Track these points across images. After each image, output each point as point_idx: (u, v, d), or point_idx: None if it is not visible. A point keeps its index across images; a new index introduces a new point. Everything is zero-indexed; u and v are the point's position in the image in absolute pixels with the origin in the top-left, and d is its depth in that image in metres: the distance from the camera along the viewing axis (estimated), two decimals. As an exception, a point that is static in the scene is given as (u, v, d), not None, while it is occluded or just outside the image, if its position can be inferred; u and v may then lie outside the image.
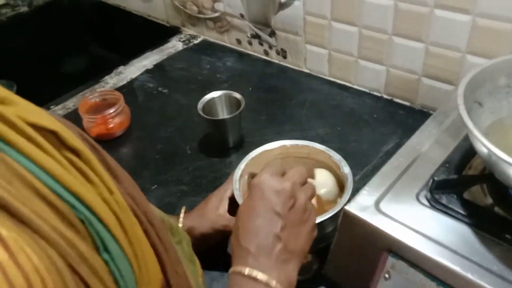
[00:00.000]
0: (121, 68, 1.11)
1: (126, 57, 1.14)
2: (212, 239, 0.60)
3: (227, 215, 0.61)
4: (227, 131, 0.80)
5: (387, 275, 0.46)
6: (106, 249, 0.25)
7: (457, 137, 0.55)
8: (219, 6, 1.09)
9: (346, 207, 0.49)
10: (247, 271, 0.43)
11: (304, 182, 0.51)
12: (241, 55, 1.11)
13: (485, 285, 0.40)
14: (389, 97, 0.90)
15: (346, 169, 0.61)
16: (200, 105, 0.79)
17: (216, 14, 1.12)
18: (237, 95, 0.80)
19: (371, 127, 0.84)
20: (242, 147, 0.83)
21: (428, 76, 0.81)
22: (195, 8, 1.16)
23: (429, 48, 0.78)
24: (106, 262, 0.24)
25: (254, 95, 0.97)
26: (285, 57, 1.04)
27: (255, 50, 1.09)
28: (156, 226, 0.35)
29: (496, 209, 0.48)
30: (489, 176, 0.47)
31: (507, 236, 0.43)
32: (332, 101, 0.92)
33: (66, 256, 0.22)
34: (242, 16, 1.06)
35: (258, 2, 1.00)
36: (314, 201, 0.54)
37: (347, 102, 0.92)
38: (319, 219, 0.55)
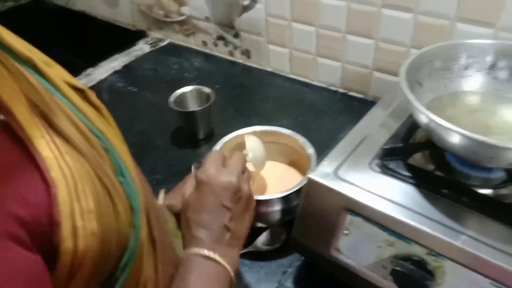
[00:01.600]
0: (89, 70, 1.14)
1: (94, 62, 1.18)
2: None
3: None
4: (198, 123, 0.85)
5: (346, 231, 0.53)
6: (122, 173, 0.31)
7: (401, 119, 0.63)
8: (185, 9, 1.15)
9: (310, 175, 0.55)
10: (206, 252, 0.48)
11: (244, 169, 0.55)
12: (207, 56, 1.17)
13: (427, 229, 0.47)
14: (345, 91, 0.99)
15: (310, 150, 0.68)
16: (172, 98, 0.84)
17: (182, 18, 1.17)
18: (207, 89, 0.85)
19: (329, 117, 0.92)
20: (212, 139, 0.89)
21: (378, 69, 0.90)
22: (161, 12, 1.21)
23: (378, 44, 0.87)
24: (121, 183, 0.30)
25: (222, 92, 1.02)
26: (249, 57, 1.10)
27: (221, 51, 1.16)
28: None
29: (437, 172, 0.56)
30: (429, 143, 0.55)
31: (444, 191, 0.51)
32: (294, 96, 1.00)
33: (96, 169, 0.28)
34: (207, 19, 1.12)
35: (222, 5, 1.06)
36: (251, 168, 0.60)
37: (308, 96, 0.99)
38: (285, 193, 0.62)
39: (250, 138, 0.67)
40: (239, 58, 1.13)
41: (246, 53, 1.10)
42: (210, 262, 0.48)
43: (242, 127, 0.90)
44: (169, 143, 0.88)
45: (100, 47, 1.33)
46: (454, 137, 0.46)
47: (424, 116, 0.49)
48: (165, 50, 1.22)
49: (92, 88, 1.06)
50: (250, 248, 0.65)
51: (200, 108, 0.83)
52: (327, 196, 0.54)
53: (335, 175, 0.55)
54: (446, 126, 0.46)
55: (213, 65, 1.13)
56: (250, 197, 0.54)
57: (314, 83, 1.02)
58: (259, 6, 1.00)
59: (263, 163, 0.67)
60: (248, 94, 1.02)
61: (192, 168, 0.58)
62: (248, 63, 1.12)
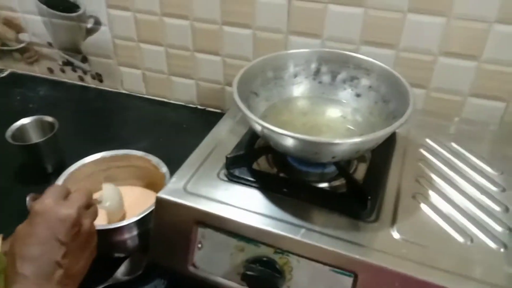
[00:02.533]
0: None
1: None
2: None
3: None
4: (43, 156, 0.78)
5: (199, 245, 0.53)
6: None
7: (247, 126, 0.66)
8: (24, 36, 1.07)
9: (158, 194, 0.54)
10: None
11: (89, 204, 0.52)
12: (55, 84, 1.09)
13: (271, 229, 0.50)
14: (203, 107, 1.00)
15: (164, 169, 0.68)
16: (8, 132, 0.76)
17: (22, 45, 1.08)
18: (49, 118, 0.80)
19: (190, 134, 0.93)
20: (64, 171, 0.82)
21: (228, 84, 0.94)
22: (-4, 40, 1.10)
23: (225, 60, 0.91)
24: None
25: (74, 120, 0.97)
26: (101, 80, 1.06)
27: (70, 77, 1.09)
28: None
29: (281, 174, 0.59)
30: (268, 148, 0.58)
31: (284, 190, 0.55)
32: (152, 117, 0.98)
33: None
34: (50, 44, 1.05)
35: (64, 29, 1.01)
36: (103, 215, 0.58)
37: (167, 116, 0.99)
38: (138, 217, 0.60)
39: (107, 187, 0.65)
40: (90, 83, 1.08)
41: (98, 77, 1.06)
42: None
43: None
44: (11, 183, 0.80)
45: None
46: (282, 138, 0.50)
47: (256, 124, 0.52)
48: (5, 81, 1.11)
49: None
50: (109, 282, 0.61)
51: (43, 139, 0.77)
52: (177, 212, 0.54)
53: (184, 190, 0.55)
54: (274, 130, 0.49)
55: (62, 92, 1.06)
56: (91, 233, 0.50)
57: (172, 101, 1.02)
58: (103, 28, 0.97)
59: (120, 211, 0.66)
60: (104, 119, 0.98)
61: (27, 199, 0.53)
62: (101, 87, 1.07)
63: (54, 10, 0.98)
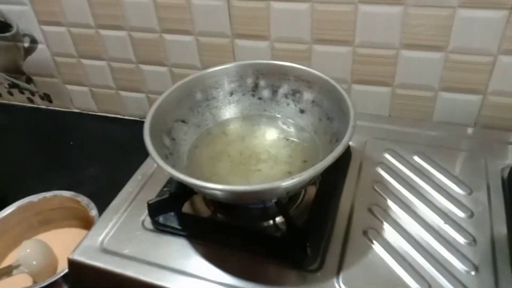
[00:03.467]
0: None
1: None
2: None
3: None
4: (-22, 198, 0.72)
5: (120, 312, 0.47)
6: None
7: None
8: (-37, 60, 0.99)
9: (70, 256, 0.47)
10: None
11: None
12: (4, 108, 1.02)
13: (194, 293, 0.42)
14: (159, 120, 0.92)
15: (93, 212, 0.61)
16: None
17: (-37, 69, 1.01)
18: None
19: (141, 154, 0.85)
20: (4, 208, 0.76)
21: (180, 95, 0.86)
22: None
23: (172, 70, 0.82)
24: None
25: (19, 148, 0.90)
26: (50, 101, 0.99)
27: (19, 100, 1.02)
28: None
29: (218, 215, 0.52)
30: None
31: (216, 237, 0.47)
32: (102, 136, 0.91)
33: None
34: (-9, 67, 0.97)
35: (2, 50, 0.93)
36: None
37: (119, 134, 0.91)
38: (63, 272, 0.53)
39: (27, 244, 0.58)
40: (40, 104, 1.00)
41: (46, 97, 0.98)
42: None
43: (39, 187, 0.79)
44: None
45: None
46: (207, 191, 0.42)
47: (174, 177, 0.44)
48: (-47, 109, 1.04)
49: None
50: None
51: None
52: (93, 276, 0.47)
53: (101, 247, 0.48)
54: (194, 183, 0.41)
55: (11, 117, 0.99)
56: None
57: (126, 117, 0.95)
58: (41, 46, 0.88)
59: (43, 269, 0.58)
60: (52, 143, 0.91)
61: None
62: (52, 107, 1.00)
63: (-14, 31, 0.90)
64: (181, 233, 0.48)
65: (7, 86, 1.00)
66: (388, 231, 0.47)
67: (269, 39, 0.71)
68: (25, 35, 0.88)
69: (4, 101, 1.03)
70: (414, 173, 0.54)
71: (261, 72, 0.57)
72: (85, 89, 0.93)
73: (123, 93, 0.90)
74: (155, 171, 0.58)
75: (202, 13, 0.72)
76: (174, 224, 0.49)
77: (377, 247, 0.45)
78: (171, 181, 0.55)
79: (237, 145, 0.55)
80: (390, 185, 0.52)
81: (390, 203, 0.50)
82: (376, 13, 0.63)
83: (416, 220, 0.48)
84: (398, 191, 0.51)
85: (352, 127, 0.44)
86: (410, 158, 0.56)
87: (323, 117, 0.53)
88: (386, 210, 0.49)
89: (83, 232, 0.65)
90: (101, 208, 0.63)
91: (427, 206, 0.49)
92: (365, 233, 0.47)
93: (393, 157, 0.56)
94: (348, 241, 0.46)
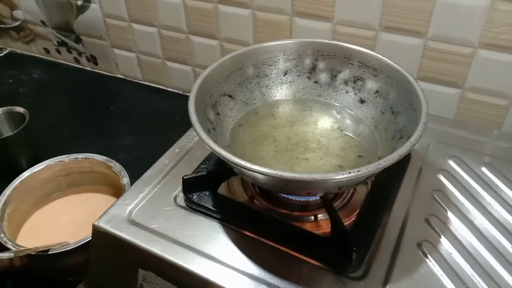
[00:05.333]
0: None
1: None
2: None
3: None
4: (14, 151, 0.71)
5: (140, 289, 0.43)
6: None
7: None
8: (18, 13, 0.99)
9: (95, 222, 0.44)
10: None
11: None
12: (51, 65, 1.02)
13: (221, 284, 0.38)
14: (202, 97, 0.89)
15: (124, 180, 0.58)
16: (-25, 126, 0.69)
17: (17, 23, 1.01)
18: (20, 109, 0.71)
19: (180, 129, 0.81)
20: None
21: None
22: (-7, 17, 1.03)
23: (223, 44, 0.78)
24: None
25: (62, 107, 0.89)
26: (96, 63, 0.97)
27: (65, 59, 1.01)
28: None
29: (255, 202, 0.48)
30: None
31: (250, 226, 0.43)
32: (145, 106, 0.88)
33: None
34: (43, 23, 0.96)
35: (55, 7, 0.91)
36: None
37: (161, 106, 0.88)
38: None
39: None
40: (86, 65, 0.99)
41: (93, 59, 0.97)
42: None
43: (75, 150, 0.77)
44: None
45: None
46: (247, 172, 0.37)
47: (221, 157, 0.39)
48: (2, 61, 1.04)
49: None
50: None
51: (11, 133, 0.68)
52: (116, 246, 0.44)
53: (128, 218, 0.45)
54: (234, 161, 0.37)
55: (56, 75, 0.98)
56: None
57: (169, 89, 0.92)
58: (93, 6, 0.86)
59: None
60: (93, 107, 0.89)
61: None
62: (97, 70, 0.98)
63: (42, -16, 0.89)
64: (214, 215, 0.45)
65: (56, 44, 0.99)
66: (446, 246, 0.41)
67: (332, 20, 0.66)
68: (79, -8, 0.86)
69: (51, 58, 1.03)
70: (481, 186, 0.47)
71: (321, 53, 0.51)
72: (132, 55, 0.90)
73: (169, 63, 0.87)
74: (193, 146, 0.54)
75: (263, -14, 0.68)
76: (208, 204, 0.45)
77: (431, 262, 0.40)
78: (210, 158, 0.51)
79: (285, 130, 0.50)
80: (452, 195, 0.46)
81: (450, 215, 0.44)
82: (457, 4, 0.56)
83: (478, 238, 0.42)
84: (461, 203, 0.45)
85: (423, 124, 0.38)
86: (477, 169, 0.49)
87: (386, 110, 0.47)
88: (445, 223, 0.43)
89: (111, 199, 0.63)
90: (133, 178, 0.60)
91: (493, 224, 0.43)
92: (419, 245, 0.41)
93: (458, 165, 0.50)
94: (399, 252, 0.41)
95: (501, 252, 0.41)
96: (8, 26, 1.03)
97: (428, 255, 0.40)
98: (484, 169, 0.49)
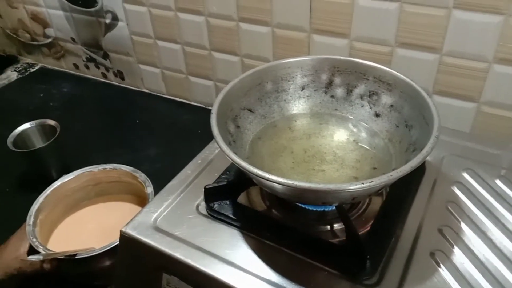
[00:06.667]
0: None
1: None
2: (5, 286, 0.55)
3: (25, 255, 0.56)
4: (45, 162, 0.75)
5: (164, 294, 0.46)
6: None
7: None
8: (50, 31, 1.04)
9: (123, 229, 0.47)
10: None
11: None
12: (80, 80, 1.07)
13: None
14: (223, 110, 0.92)
15: (149, 189, 0.61)
16: (10, 139, 0.73)
17: (49, 40, 1.06)
18: (52, 122, 0.75)
19: (202, 141, 0.85)
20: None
21: (248, 86, 0.84)
22: (27, 35, 1.10)
23: (243, 60, 0.81)
24: None
25: (89, 120, 0.93)
26: (122, 78, 1.01)
27: (94, 74, 1.06)
28: None
29: (273, 211, 0.50)
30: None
31: (268, 234, 0.45)
32: (168, 119, 0.92)
33: None
34: (73, 40, 1.02)
35: (85, 24, 0.97)
36: None
37: (184, 119, 0.92)
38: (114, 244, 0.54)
39: None
40: (113, 80, 1.04)
41: (119, 75, 1.01)
42: None
43: (102, 161, 0.81)
44: (15, 190, 0.77)
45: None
46: (266, 182, 0.40)
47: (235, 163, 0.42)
48: (34, 76, 1.10)
49: None
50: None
51: (43, 145, 0.73)
52: (142, 252, 0.46)
53: (154, 225, 0.47)
54: (254, 172, 0.39)
55: (85, 89, 1.03)
56: None
57: (192, 103, 0.95)
58: (121, 24, 0.91)
59: None
60: (118, 120, 0.93)
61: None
62: (123, 85, 1.02)
63: (73, 4, 0.94)
64: (234, 223, 0.47)
65: (84, 60, 1.04)
66: (459, 256, 0.42)
67: (349, 37, 0.68)
68: (108, 11, 0.91)
69: (80, 73, 1.08)
70: (495, 198, 0.48)
71: (337, 68, 0.54)
72: (157, 70, 0.94)
73: (192, 78, 0.91)
74: (215, 157, 0.57)
75: (282, 4, 0.70)
76: (228, 213, 0.47)
77: (444, 272, 0.41)
78: (230, 169, 0.53)
79: (302, 142, 0.52)
80: (466, 207, 0.47)
81: (463, 226, 0.45)
82: (471, 20, 0.58)
83: (491, 249, 0.43)
84: (475, 214, 0.46)
85: (435, 137, 0.40)
86: (491, 181, 0.50)
87: (401, 123, 0.49)
88: (458, 233, 0.44)
89: (136, 207, 0.66)
90: (157, 188, 0.63)
91: (506, 235, 0.44)
92: (432, 254, 0.42)
93: (472, 177, 0.51)
94: (412, 260, 0.42)
95: (510, 258, 0.42)
96: (41, 43, 1.08)
97: (441, 264, 0.41)
98: (498, 182, 0.50)
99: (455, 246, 0.43)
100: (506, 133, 0.64)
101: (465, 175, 0.51)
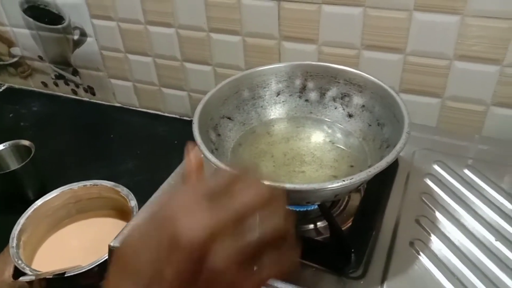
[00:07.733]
0: None
1: None
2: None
3: (11, 279, 0.55)
4: (22, 183, 0.74)
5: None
6: None
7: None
8: (15, 50, 1.03)
9: (111, 243, 0.47)
10: None
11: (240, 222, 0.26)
12: (50, 98, 1.05)
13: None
14: (198, 119, 0.93)
15: (132, 203, 0.61)
16: (-17, 161, 0.72)
17: (15, 59, 1.04)
18: (26, 142, 0.74)
19: (179, 152, 0.85)
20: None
21: (221, 95, 0.86)
22: (-9, 55, 1.07)
23: (216, 70, 0.83)
24: None
25: (63, 137, 0.92)
26: (93, 94, 1.01)
27: (63, 91, 1.04)
28: None
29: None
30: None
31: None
32: (143, 132, 0.92)
33: None
34: (41, 58, 1.00)
35: (52, 42, 0.96)
36: None
37: (158, 130, 0.92)
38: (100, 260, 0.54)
39: None
40: (84, 96, 1.03)
41: (90, 90, 1.00)
42: None
43: (81, 177, 0.80)
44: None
45: None
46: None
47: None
48: (2, 96, 1.08)
49: None
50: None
51: (18, 166, 0.72)
52: (132, 264, 0.47)
53: (141, 237, 0.48)
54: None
55: (55, 107, 1.02)
56: (221, 272, 0.25)
57: (166, 114, 0.96)
58: (90, 40, 0.91)
59: None
60: (94, 135, 0.93)
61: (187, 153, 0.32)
62: (95, 100, 1.02)
63: (39, 22, 0.93)
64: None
65: (53, 77, 1.03)
66: (436, 244, 0.45)
67: (317, 42, 0.71)
68: (75, 27, 0.90)
69: (49, 91, 1.07)
70: (464, 187, 0.51)
71: (310, 73, 0.56)
72: (129, 84, 0.95)
73: (165, 90, 0.91)
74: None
75: (251, 13, 0.72)
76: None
77: (424, 259, 0.43)
78: (213, 177, 0.55)
79: (281, 146, 0.54)
80: (439, 197, 0.50)
81: (438, 215, 0.48)
82: (431, 21, 0.62)
83: (465, 235, 0.46)
84: (448, 203, 0.49)
85: (406, 133, 0.43)
86: (460, 171, 0.53)
87: (373, 122, 0.52)
88: (434, 222, 0.47)
89: (119, 222, 0.66)
90: (140, 201, 0.63)
91: (478, 221, 0.47)
92: (411, 244, 0.45)
93: (442, 169, 0.54)
94: (394, 251, 0.44)
95: (486, 245, 0.44)
96: (6, 62, 1.06)
97: (420, 252, 0.44)
98: (466, 171, 0.53)
99: (432, 235, 0.46)
100: (470, 125, 0.68)
101: (436, 167, 0.54)
